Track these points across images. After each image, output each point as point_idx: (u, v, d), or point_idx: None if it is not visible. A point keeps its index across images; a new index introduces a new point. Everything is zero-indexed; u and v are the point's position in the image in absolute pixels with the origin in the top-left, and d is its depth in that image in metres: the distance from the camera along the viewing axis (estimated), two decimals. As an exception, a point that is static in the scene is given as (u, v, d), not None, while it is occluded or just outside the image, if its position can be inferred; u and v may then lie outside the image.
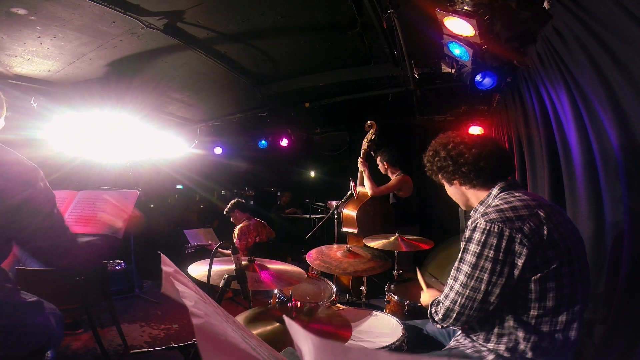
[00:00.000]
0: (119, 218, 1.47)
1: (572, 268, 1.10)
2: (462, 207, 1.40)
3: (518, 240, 1.06)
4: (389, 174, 3.86)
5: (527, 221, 1.09)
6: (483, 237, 1.10)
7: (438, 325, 1.24)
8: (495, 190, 1.24)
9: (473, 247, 1.12)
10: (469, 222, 1.19)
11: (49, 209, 1.20)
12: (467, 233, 1.15)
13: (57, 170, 1.27)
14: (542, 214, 1.11)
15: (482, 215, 1.13)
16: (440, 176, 1.36)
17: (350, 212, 3.60)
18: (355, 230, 3.52)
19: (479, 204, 1.27)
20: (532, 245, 1.06)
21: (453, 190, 1.37)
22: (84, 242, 1.31)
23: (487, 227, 1.09)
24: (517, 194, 1.19)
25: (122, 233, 1.48)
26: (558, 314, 1.10)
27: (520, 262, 1.07)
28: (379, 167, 3.90)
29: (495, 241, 1.08)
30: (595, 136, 1.58)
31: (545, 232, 1.08)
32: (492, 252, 1.08)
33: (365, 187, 3.64)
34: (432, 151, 1.36)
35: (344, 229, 3.66)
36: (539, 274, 1.08)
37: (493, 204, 1.21)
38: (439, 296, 1.24)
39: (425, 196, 5.23)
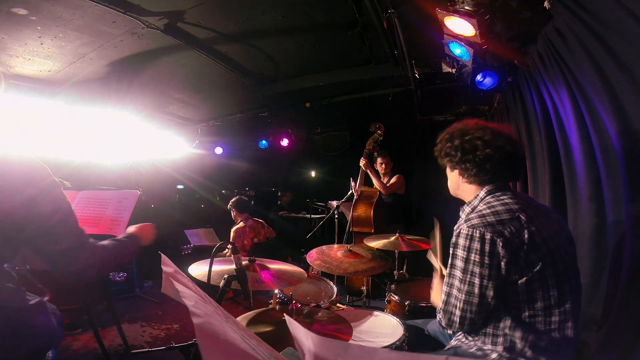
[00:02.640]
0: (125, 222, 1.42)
1: (557, 270, 1.11)
2: (451, 193, 1.41)
3: (500, 244, 1.08)
4: (386, 174, 3.97)
5: (508, 225, 1.11)
6: (467, 243, 1.12)
7: (449, 331, 1.25)
8: (482, 193, 1.25)
9: (460, 252, 1.14)
10: (455, 227, 1.20)
11: (57, 210, 1.16)
12: (453, 239, 1.18)
13: (57, 171, 1.25)
14: (523, 217, 1.13)
15: (465, 221, 1.16)
16: (445, 160, 1.34)
17: (364, 212, 3.60)
18: (371, 230, 3.51)
19: (466, 204, 1.29)
20: (513, 249, 1.08)
21: (452, 176, 1.36)
22: (101, 246, 1.25)
23: (470, 233, 1.12)
24: (502, 197, 1.20)
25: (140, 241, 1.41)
26: (550, 315, 1.11)
27: (503, 264, 1.09)
28: (379, 167, 3.94)
29: (478, 246, 1.10)
30: (597, 135, 1.58)
31: (526, 235, 1.10)
32: (477, 256, 1.10)
33: (377, 186, 3.75)
34: (448, 135, 1.30)
35: (356, 230, 3.64)
36: (524, 277, 1.09)
37: (477, 208, 1.22)
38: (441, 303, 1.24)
39: (426, 195, 5.22)
